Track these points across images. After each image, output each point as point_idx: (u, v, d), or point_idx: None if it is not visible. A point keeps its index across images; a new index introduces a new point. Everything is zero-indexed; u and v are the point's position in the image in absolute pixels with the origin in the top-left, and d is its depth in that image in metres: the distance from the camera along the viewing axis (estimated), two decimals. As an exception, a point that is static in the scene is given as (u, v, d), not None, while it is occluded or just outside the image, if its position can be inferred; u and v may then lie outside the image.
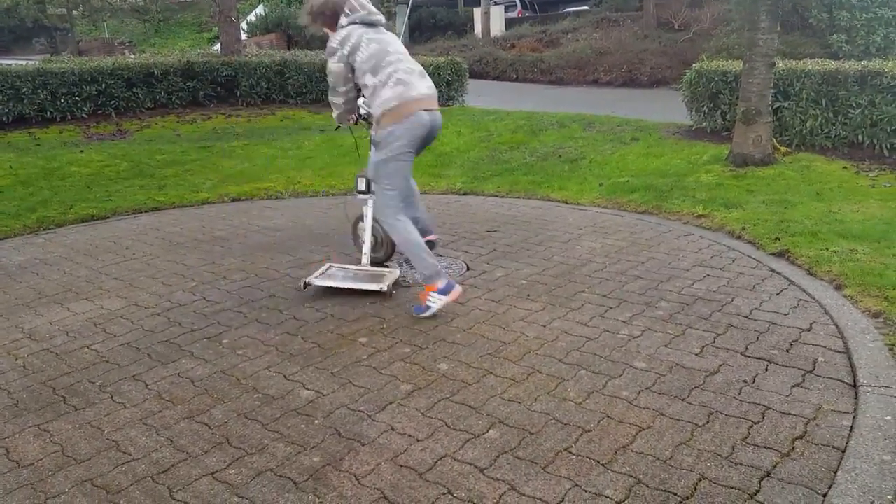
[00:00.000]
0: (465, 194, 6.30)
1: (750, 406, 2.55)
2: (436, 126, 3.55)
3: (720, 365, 2.87)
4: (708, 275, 3.94)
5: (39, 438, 2.51)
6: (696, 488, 2.11)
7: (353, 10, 3.51)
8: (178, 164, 7.58)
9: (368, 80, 3.47)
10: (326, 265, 4.08)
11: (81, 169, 7.35)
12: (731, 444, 2.33)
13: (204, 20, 32.16)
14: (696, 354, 2.97)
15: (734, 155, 6.53)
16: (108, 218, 5.80)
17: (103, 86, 10.03)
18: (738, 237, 4.63)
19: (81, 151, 8.15)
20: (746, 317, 3.34)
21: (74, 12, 29.77)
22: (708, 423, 2.46)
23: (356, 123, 3.93)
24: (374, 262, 4.15)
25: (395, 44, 3.56)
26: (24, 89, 9.46)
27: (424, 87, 3.50)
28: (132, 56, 13.03)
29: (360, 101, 3.78)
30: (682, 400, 2.61)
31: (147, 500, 2.15)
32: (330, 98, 3.73)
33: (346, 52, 3.46)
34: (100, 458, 2.38)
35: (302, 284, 3.85)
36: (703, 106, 7.93)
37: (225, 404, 2.71)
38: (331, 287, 3.87)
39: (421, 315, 3.49)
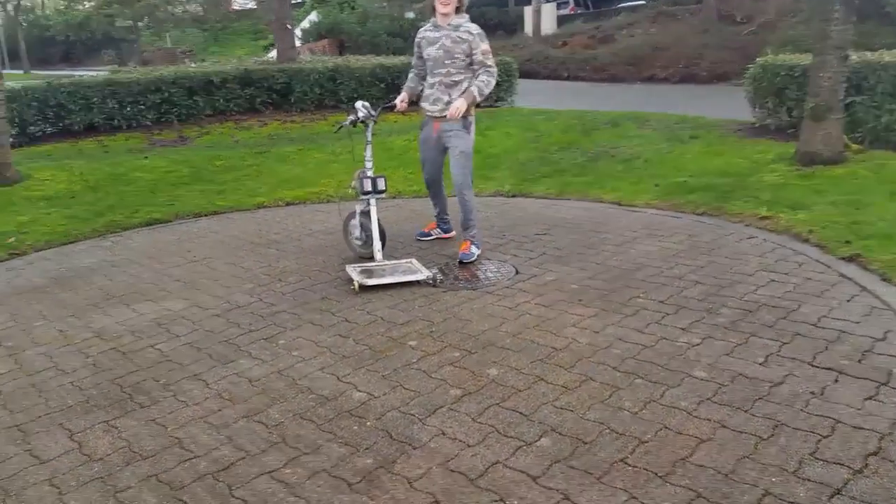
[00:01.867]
0: (513, 196, 6.24)
1: (818, 419, 2.44)
2: None
3: (786, 375, 2.75)
4: (772, 280, 3.79)
5: (108, 434, 2.63)
6: (759, 504, 2.03)
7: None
8: (235, 170, 7.81)
9: (496, 71, 4.30)
10: (356, 266, 4.19)
11: (146, 175, 7.67)
12: (797, 459, 2.23)
13: (260, 28, 33.09)
14: (760, 364, 2.86)
15: (801, 153, 6.26)
16: (170, 222, 6.02)
17: (166, 94, 10.44)
18: (805, 240, 4.42)
19: (146, 158, 8.50)
20: (814, 325, 3.20)
21: (140, 24, 31.12)
22: (773, 436, 2.36)
23: (354, 126, 4.38)
24: (365, 258, 4.44)
25: None
26: (95, 99, 9.95)
27: None
28: (193, 65, 13.51)
29: (360, 104, 4.29)
30: (745, 411, 2.52)
31: (208, 497, 2.22)
32: (493, 82, 4.27)
33: None
34: (164, 454, 2.47)
35: (356, 287, 3.94)
36: (767, 102, 7.63)
37: (281, 404, 2.77)
38: (380, 285, 3.98)
39: (468, 260, 4.35)
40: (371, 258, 4.32)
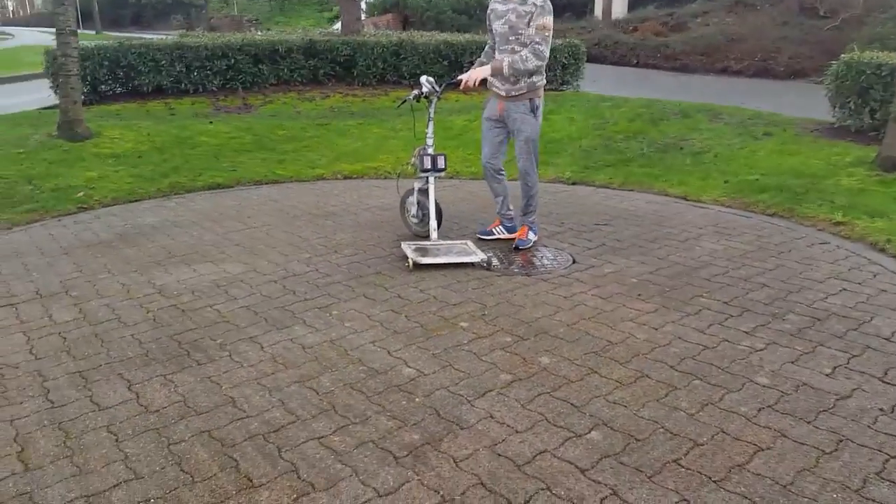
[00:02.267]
0: (574, 184, 6.12)
1: (887, 438, 2.32)
2: None
3: (854, 389, 2.62)
4: (844, 289, 3.60)
5: (165, 388, 2.71)
6: (820, 520, 1.94)
7: None
8: (297, 140, 7.91)
9: (546, 52, 3.92)
10: (410, 244, 4.18)
11: (210, 139, 7.85)
12: (862, 477, 2.12)
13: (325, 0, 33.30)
14: (827, 375, 2.73)
15: (883, 158, 5.91)
16: (232, 187, 6.16)
17: (232, 61, 10.58)
18: (882, 250, 4.19)
19: (210, 123, 8.70)
20: (887, 339, 3.03)
21: (209, -10, 31.77)
22: (836, 450, 2.25)
23: (418, 101, 4.31)
24: (420, 236, 4.47)
25: None
26: (164, 62, 10.17)
27: None
28: (259, 33, 13.67)
29: (424, 78, 4.19)
30: (808, 423, 2.41)
31: (258, 456, 2.27)
32: (535, 62, 3.89)
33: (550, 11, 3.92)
34: (217, 412, 2.53)
35: (410, 264, 3.95)
36: (849, 102, 7.22)
37: (332, 373, 2.80)
38: (433, 264, 3.96)
39: (525, 247, 4.28)
40: (426, 237, 4.30)
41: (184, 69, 10.32)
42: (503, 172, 4.39)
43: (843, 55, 7.47)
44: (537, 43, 3.87)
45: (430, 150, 4.25)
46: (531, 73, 3.95)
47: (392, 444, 2.31)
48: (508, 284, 3.73)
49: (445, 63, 11.25)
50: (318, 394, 2.64)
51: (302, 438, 2.36)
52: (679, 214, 5.07)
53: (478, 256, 4.02)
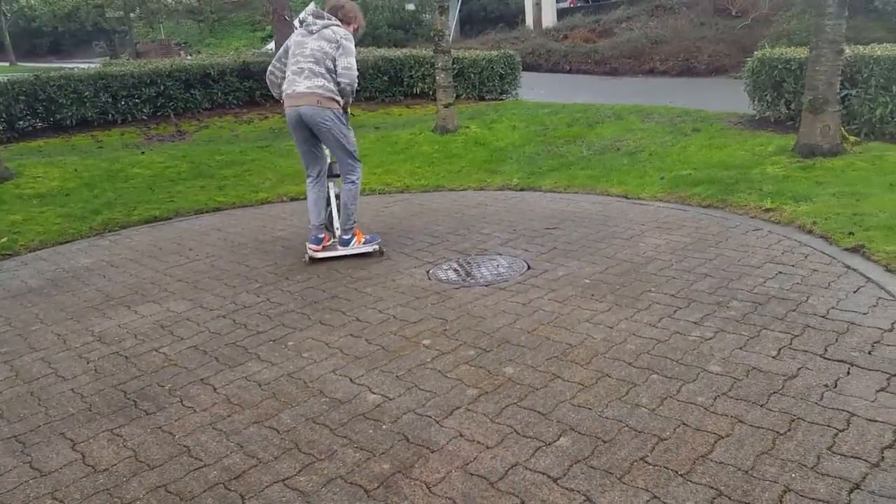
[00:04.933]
0: (521, 190, 6.22)
1: (834, 412, 2.43)
2: (304, 117, 4.23)
3: (799, 368, 2.74)
4: (780, 272, 3.77)
5: (113, 443, 2.55)
6: (781, 501, 2.01)
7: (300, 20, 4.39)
8: (237, 165, 7.71)
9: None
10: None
11: (143, 171, 7.57)
12: (815, 454, 2.21)
13: (257, 19, 32.74)
14: (773, 357, 2.84)
15: (801, 146, 6.27)
16: (170, 219, 5.94)
17: (162, 87, 10.28)
18: (809, 232, 4.42)
19: (143, 153, 8.40)
20: (823, 317, 3.18)
21: (132, 14, 30.67)
22: (790, 430, 2.34)
23: None
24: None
25: (300, 47, 4.26)
26: (87, 93, 9.75)
27: (302, 86, 4.17)
28: (189, 57, 13.35)
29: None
30: (762, 406, 2.50)
31: (221, 506, 2.16)
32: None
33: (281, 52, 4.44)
34: (172, 463, 2.40)
35: (307, 259, 4.35)
36: (766, 95, 7.64)
37: (293, 408, 2.72)
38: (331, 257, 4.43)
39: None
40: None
41: (110, 99, 9.94)
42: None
43: (756, 52, 7.94)
44: None
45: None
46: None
47: (362, 478, 2.26)
48: (467, 296, 3.74)
49: (385, 78, 11.24)
50: (278, 433, 2.55)
51: (266, 482, 2.26)
52: (622, 213, 5.21)
53: (371, 248, 4.48)
